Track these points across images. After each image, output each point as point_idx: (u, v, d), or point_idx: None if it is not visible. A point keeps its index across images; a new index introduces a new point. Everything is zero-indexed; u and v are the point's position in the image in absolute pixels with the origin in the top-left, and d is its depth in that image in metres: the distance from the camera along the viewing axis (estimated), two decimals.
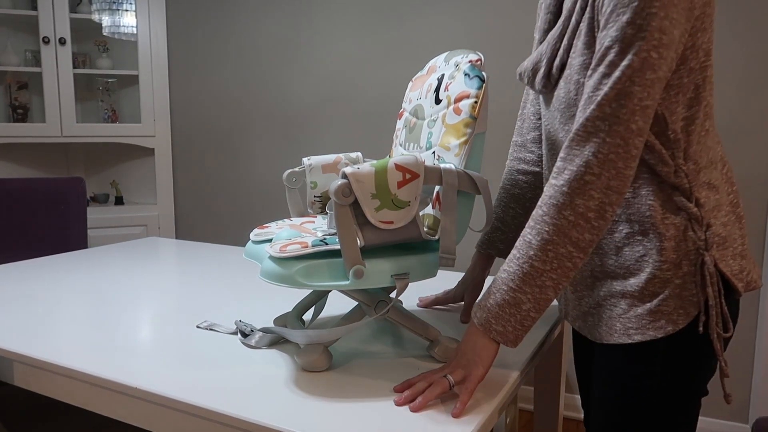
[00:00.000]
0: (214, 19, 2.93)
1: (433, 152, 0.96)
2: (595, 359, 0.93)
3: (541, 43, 0.97)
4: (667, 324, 0.83)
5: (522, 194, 1.14)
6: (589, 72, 0.79)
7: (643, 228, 0.85)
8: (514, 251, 0.83)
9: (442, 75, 1.00)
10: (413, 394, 0.81)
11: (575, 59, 0.85)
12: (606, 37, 0.77)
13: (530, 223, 0.82)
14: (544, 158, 1.02)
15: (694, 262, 0.83)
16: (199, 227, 3.12)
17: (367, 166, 0.84)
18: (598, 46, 0.78)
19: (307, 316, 1.19)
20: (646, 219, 0.84)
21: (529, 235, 0.81)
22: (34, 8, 2.82)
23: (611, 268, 0.88)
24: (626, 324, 0.86)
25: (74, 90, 2.89)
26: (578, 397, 2.38)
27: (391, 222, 0.86)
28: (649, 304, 0.84)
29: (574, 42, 0.86)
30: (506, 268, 0.83)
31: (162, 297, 1.31)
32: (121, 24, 2.83)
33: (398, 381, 0.88)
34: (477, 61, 0.94)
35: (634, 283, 0.86)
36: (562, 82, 0.89)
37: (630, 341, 0.85)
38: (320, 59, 2.69)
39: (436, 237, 0.92)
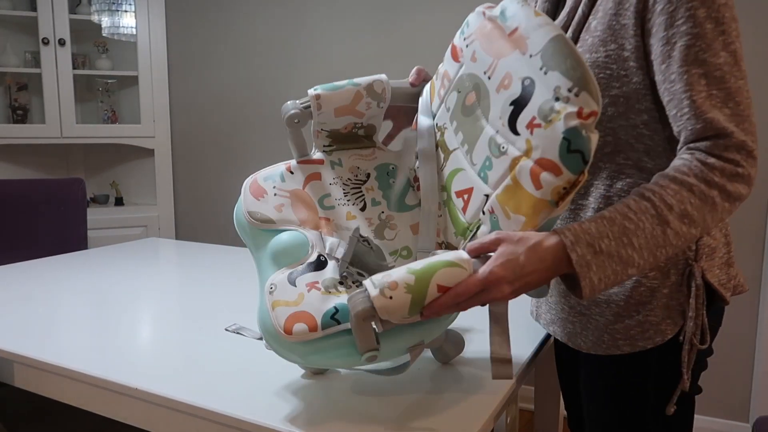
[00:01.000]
0: (213, 19, 2.93)
1: (486, 196, 0.76)
2: (584, 369, 0.92)
3: None
4: (656, 335, 0.82)
5: None
6: (670, 70, 0.71)
7: None
8: (632, 200, 0.70)
9: (527, 81, 0.72)
10: (437, 315, 0.70)
11: (585, 54, 0.80)
12: (679, 35, 0.70)
13: (658, 185, 0.70)
14: None
15: (682, 271, 0.81)
16: (199, 228, 3.12)
17: (402, 292, 0.67)
18: (662, 47, 0.72)
19: None
20: None
21: (668, 194, 0.69)
22: (34, 9, 2.82)
23: None
24: (614, 335, 0.84)
25: (74, 91, 2.89)
26: None
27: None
28: (636, 314, 0.82)
29: (582, 35, 0.81)
30: (628, 215, 0.70)
31: (162, 298, 1.31)
32: (121, 25, 2.83)
33: (401, 381, 0.88)
34: (587, 117, 0.64)
35: (619, 292, 0.83)
36: None
37: (620, 353, 0.84)
38: (320, 59, 2.69)
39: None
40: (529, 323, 1.15)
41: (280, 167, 0.94)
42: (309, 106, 0.92)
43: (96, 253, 1.78)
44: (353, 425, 0.75)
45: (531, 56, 0.71)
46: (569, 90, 0.66)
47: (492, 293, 0.69)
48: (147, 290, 1.37)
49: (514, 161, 0.71)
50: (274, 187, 0.91)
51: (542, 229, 0.72)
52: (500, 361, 0.71)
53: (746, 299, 2.03)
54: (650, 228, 0.69)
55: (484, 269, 0.69)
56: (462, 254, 0.70)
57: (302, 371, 0.91)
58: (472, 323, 1.15)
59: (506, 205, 0.72)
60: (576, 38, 0.82)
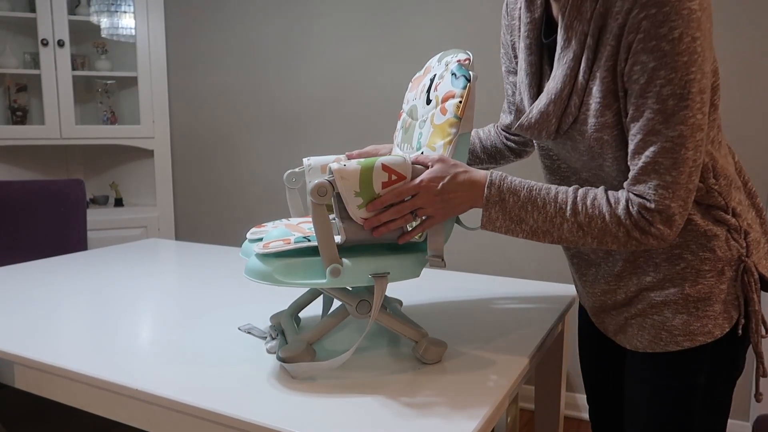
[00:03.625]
0: (212, 20, 2.93)
1: (422, 153, 0.96)
2: (631, 369, 0.95)
3: (529, 86, 0.94)
4: (715, 328, 0.86)
5: (498, 151, 1.21)
6: (633, 137, 0.79)
7: (684, 241, 0.86)
8: (562, 192, 0.85)
9: (434, 75, 1.00)
10: (378, 221, 0.86)
11: (592, 118, 0.84)
12: (645, 107, 0.77)
13: (591, 196, 0.83)
14: (543, 173, 1.03)
15: (736, 267, 0.86)
16: (199, 228, 3.12)
17: (354, 164, 0.84)
18: (632, 111, 0.79)
19: (304, 314, 1.19)
20: (688, 234, 0.86)
21: (581, 204, 0.83)
22: (33, 10, 2.82)
23: (648, 284, 0.90)
24: (673, 332, 0.88)
25: (73, 92, 2.89)
26: (578, 395, 2.38)
27: None
28: (695, 310, 0.87)
29: (584, 99, 0.84)
30: (545, 196, 0.85)
31: (162, 298, 1.31)
32: (120, 26, 2.83)
33: (395, 377, 0.88)
34: (465, 60, 0.93)
35: (675, 291, 0.88)
36: (577, 135, 0.87)
37: (679, 348, 0.88)
38: (320, 60, 2.69)
39: (422, 239, 0.92)
40: (531, 320, 1.15)
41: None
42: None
43: (96, 254, 1.78)
44: (352, 427, 0.75)
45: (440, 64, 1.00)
46: (454, 56, 0.96)
47: (421, 198, 0.85)
48: (147, 291, 1.37)
49: (432, 116, 0.95)
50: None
51: (459, 149, 0.90)
52: (436, 254, 0.90)
53: None
54: (552, 214, 0.84)
55: (419, 177, 0.86)
56: (406, 156, 0.89)
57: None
58: (461, 331, 1.15)
59: (431, 144, 0.93)
60: (581, 102, 0.85)
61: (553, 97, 0.86)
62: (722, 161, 0.86)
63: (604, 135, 0.83)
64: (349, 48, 2.61)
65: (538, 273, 2.35)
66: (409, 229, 0.92)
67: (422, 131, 0.98)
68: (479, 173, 0.87)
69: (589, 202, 0.83)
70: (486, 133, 1.23)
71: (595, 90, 0.82)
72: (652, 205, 0.79)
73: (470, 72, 0.91)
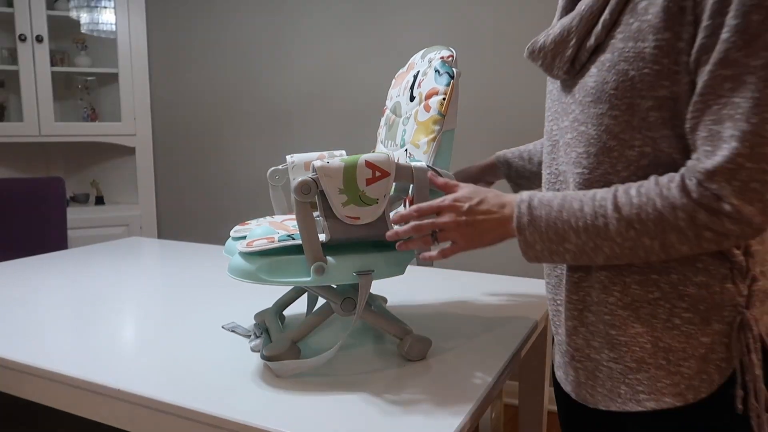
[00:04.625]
0: (194, 15, 2.90)
1: (406, 150, 0.96)
2: None
3: (564, 8, 0.78)
4: (687, 391, 0.68)
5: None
6: (701, 71, 0.61)
7: (665, 265, 0.69)
8: (602, 192, 0.68)
9: (418, 72, 1.00)
10: (396, 235, 0.82)
11: (622, 42, 0.67)
12: (718, 24, 0.59)
13: (635, 185, 0.66)
14: (544, 156, 0.85)
15: (728, 319, 0.67)
16: (181, 227, 3.09)
17: (337, 161, 0.84)
18: (702, 34, 0.60)
19: (288, 311, 1.18)
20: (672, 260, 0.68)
21: (624, 197, 0.66)
22: (10, 5, 2.77)
23: (610, 308, 0.73)
24: (635, 387, 0.71)
25: (52, 88, 2.85)
26: None
27: (358, 218, 0.86)
28: (665, 363, 0.69)
29: (624, 18, 0.67)
30: (582, 199, 0.69)
31: (145, 297, 1.30)
32: (100, 21, 2.79)
33: (381, 374, 0.88)
34: (448, 57, 0.93)
35: (643, 332, 0.70)
36: (593, 68, 0.70)
37: (640, 408, 0.71)
38: (303, 56, 2.68)
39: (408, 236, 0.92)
40: (515, 316, 1.15)
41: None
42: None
43: (77, 253, 1.76)
44: (337, 424, 0.75)
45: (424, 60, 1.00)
46: (437, 53, 0.96)
47: (445, 218, 0.78)
48: (129, 290, 1.36)
49: (415, 113, 0.95)
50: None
51: (442, 146, 0.90)
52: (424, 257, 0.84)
53: None
54: (592, 216, 0.67)
55: (449, 196, 0.79)
56: (389, 153, 0.92)
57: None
58: (445, 328, 1.15)
59: (415, 141, 0.92)
60: (614, 21, 0.68)
61: (583, 10, 0.71)
62: None
63: (631, 69, 0.65)
64: (333, 44, 2.60)
65: (523, 270, 2.37)
66: (433, 252, 0.84)
67: (406, 128, 0.98)
68: (511, 195, 0.77)
69: (634, 191, 0.66)
70: (537, 147, 1.09)
71: (644, 6, 0.65)
72: (718, 166, 0.59)
73: (453, 69, 0.91)
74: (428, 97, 0.92)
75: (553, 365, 0.89)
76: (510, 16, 2.26)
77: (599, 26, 0.69)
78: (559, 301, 0.82)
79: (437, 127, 0.89)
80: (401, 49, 2.47)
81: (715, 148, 0.60)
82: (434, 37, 2.40)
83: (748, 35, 0.57)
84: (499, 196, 0.77)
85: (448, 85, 0.90)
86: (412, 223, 0.80)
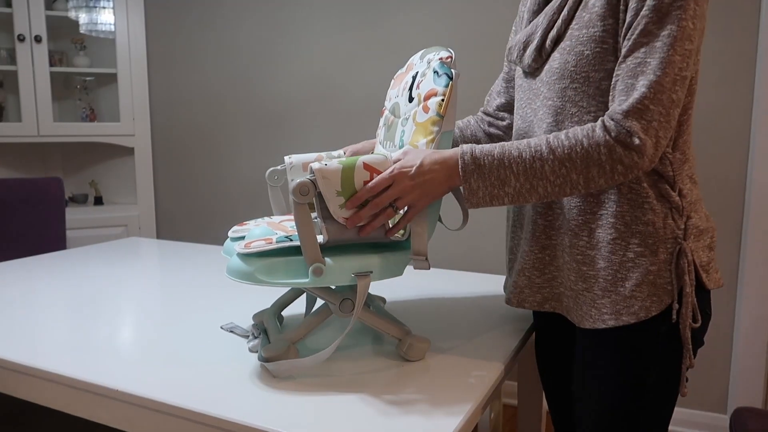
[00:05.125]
0: (193, 15, 2.90)
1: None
2: (580, 355, 0.94)
3: (530, 22, 0.98)
4: (640, 310, 0.85)
5: (478, 141, 1.20)
6: (625, 42, 0.80)
7: (620, 210, 0.85)
8: (534, 139, 0.83)
9: (416, 73, 1.00)
10: (359, 218, 0.86)
11: (578, 31, 0.86)
12: (640, 6, 0.79)
13: (563, 132, 0.82)
14: (513, 135, 1.03)
15: (670, 249, 0.85)
16: (180, 227, 3.09)
17: (335, 163, 0.84)
18: (629, 15, 0.80)
19: (287, 312, 1.18)
20: (626, 202, 0.85)
21: (556, 141, 0.81)
22: (9, 5, 2.77)
23: (581, 249, 0.89)
24: (601, 309, 0.88)
25: (51, 89, 2.84)
26: None
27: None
28: (622, 289, 0.86)
29: (578, 14, 0.87)
30: (518, 147, 0.83)
31: (143, 297, 1.30)
32: (99, 21, 2.79)
33: (380, 374, 0.88)
34: (447, 58, 0.94)
35: (606, 266, 0.87)
36: (556, 54, 0.89)
37: (604, 326, 0.87)
38: (302, 56, 2.68)
39: (404, 238, 0.92)
40: (515, 315, 1.15)
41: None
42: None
43: (75, 253, 1.75)
44: (335, 425, 0.75)
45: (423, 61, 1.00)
46: (436, 53, 0.96)
47: (397, 187, 0.84)
48: (128, 290, 1.35)
49: (414, 114, 0.95)
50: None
51: (441, 147, 0.89)
52: (419, 255, 0.89)
53: (724, 294, 2.06)
54: (530, 159, 0.82)
55: (394, 165, 0.85)
56: (387, 154, 0.89)
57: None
58: (444, 328, 1.15)
59: (414, 142, 0.93)
60: (571, 16, 0.88)
61: (547, 11, 0.91)
62: (686, 138, 0.87)
63: (586, 49, 0.84)
64: (332, 44, 2.60)
65: None
66: (392, 225, 0.91)
67: (405, 129, 0.98)
68: (449, 150, 0.87)
69: (563, 135, 0.82)
70: (465, 123, 1.23)
71: (593, 2, 0.85)
72: (629, 107, 0.77)
73: (452, 70, 0.91)
74: (427, 98, 0.92)
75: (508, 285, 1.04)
76: (509, 18, 2.26)
77: (560, 21, 0.89)
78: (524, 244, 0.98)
79: (436, 128, 0.90)
80: (400, 49, 2.47)
81: (628, 96, 0.79)
82: (433, 38, 2.40)
83: (660, 12, 0.78)
84: (437, 152, 0.86)
85: (446, 86, 0.90)
86: (371, 202, 0.85)
